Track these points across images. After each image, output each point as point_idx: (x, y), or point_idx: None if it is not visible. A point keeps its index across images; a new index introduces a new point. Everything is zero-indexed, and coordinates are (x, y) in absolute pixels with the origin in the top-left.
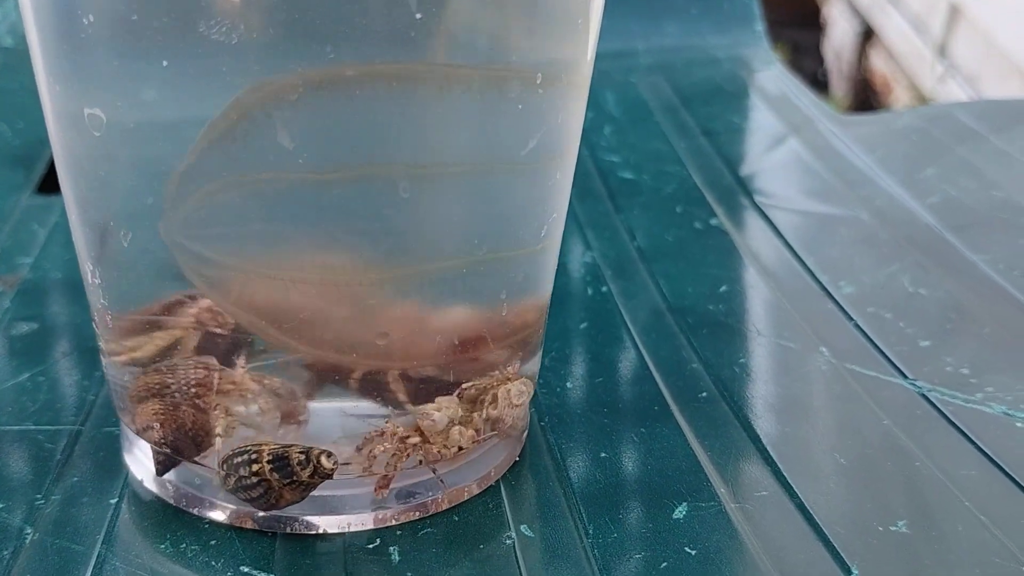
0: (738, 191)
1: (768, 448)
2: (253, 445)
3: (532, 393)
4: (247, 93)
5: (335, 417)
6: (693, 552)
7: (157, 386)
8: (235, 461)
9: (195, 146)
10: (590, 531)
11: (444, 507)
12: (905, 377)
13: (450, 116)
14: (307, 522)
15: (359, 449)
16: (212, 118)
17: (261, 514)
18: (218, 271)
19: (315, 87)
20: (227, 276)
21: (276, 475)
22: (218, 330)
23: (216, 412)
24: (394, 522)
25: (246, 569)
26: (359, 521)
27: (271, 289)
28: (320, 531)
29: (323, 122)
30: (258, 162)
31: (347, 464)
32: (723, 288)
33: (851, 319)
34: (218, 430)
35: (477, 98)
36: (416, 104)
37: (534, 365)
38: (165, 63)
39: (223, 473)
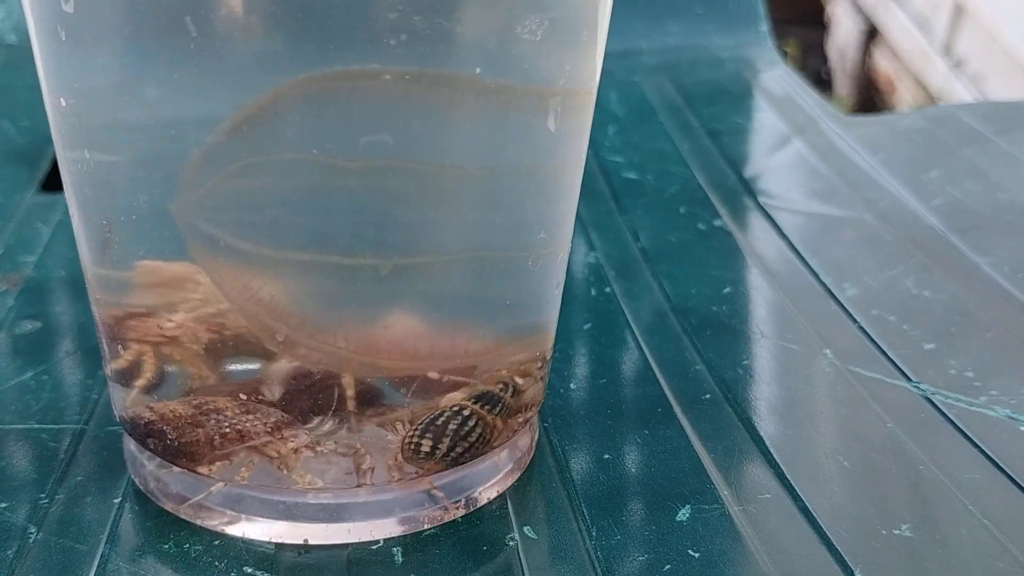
0: (742, 192)
1: (771, 450)
2: (443, 406)
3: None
4: (284, 88)
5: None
6: (696, 555)
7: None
8: (439, 423)
9: (218, 131)
10: (593, 533)
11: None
12: (909, 380)
13: (466, 122)
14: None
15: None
16: (239, 107)
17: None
18: (228, 254)
19: (346, 84)
20: (237, 258)
21: (487, 409)
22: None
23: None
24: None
25: (249, 570)
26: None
27: (281, 276)
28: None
29: (348, 115)
30: (279, 147)
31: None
32: (727, 289)
33: (855, 321)
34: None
35: (492, 107)
36: (438, 108)
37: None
38: (166, 63)
39: (428, 444)
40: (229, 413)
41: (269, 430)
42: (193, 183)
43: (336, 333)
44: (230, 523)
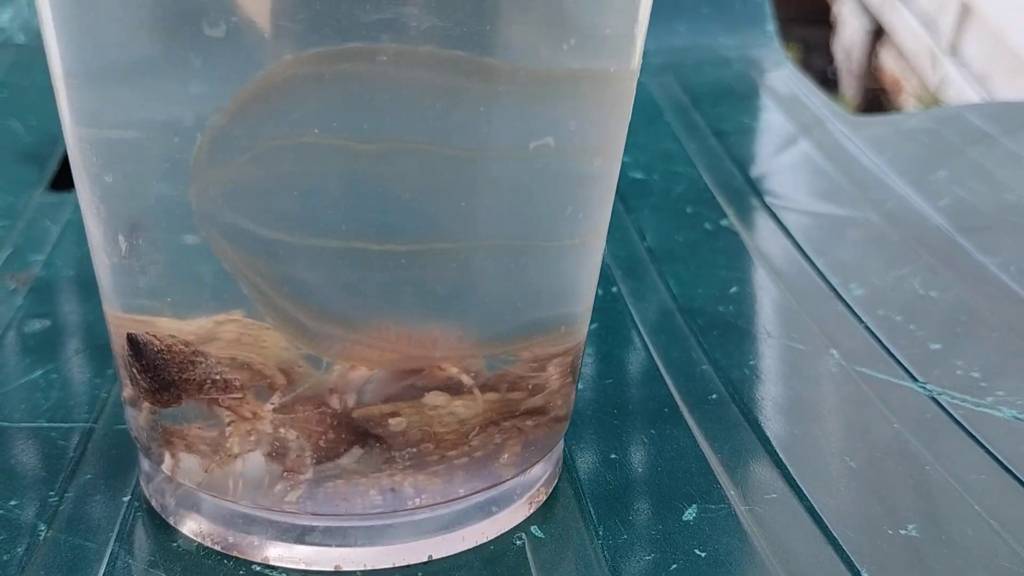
0: (748, 192)
1: (778, 450)
2: None
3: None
4: (288, 63)
5: None
6: (703, 554)
7: None
8: None
9: (226, 110)
10: (600, 532)
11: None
12: (915, 380)
13: (497, 109)
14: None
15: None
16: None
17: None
18: (251, 242)
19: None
20: (260, 248)
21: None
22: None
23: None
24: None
25: (258, 568)
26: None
27: (306, 261)
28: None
29: (368, 96)
30: (294, 129)
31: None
32: (733, 289)
33: (861, 321)
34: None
35: (526, 94)
36: (468, 96)
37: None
38: (189, 53)
39: None
40: (212, 360)
41: (241, 388)
42: (206, 170)
43: (364, 323)
44: (269, 550)
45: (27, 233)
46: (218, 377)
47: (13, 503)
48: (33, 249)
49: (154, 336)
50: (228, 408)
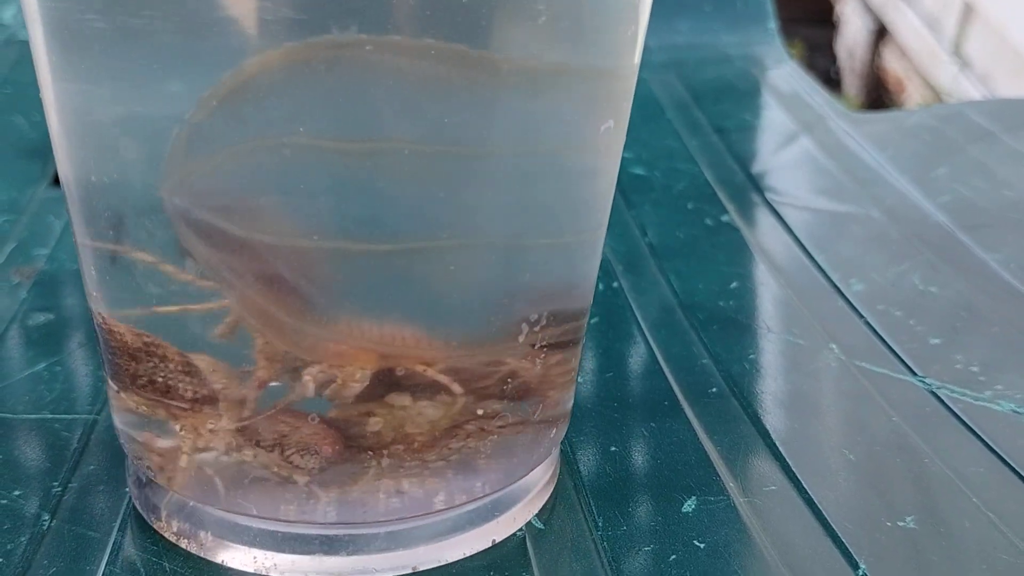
0: (749, 188)
1: (777, 444)
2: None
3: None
4: (268, 56)
5: None
6: (702, 545)
7: None
8: None
9: (202, 104)
10: (600, 524)
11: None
12: (914, 374)
13: (490, 106)
14: None
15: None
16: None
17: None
18: (224, 240)
19: (346, 52)
20: (232, 245)
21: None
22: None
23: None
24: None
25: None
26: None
27: (285, 259)
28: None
29: (350, 92)
30: (274, 127)
31: None
32: (734, 285)
33: (861, 316)
34: None
35: (519, 90)
36: (459, 90)
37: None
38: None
39: None
40: (171, 365)
41: (192, 401)
42: (182, 165)
43: (346, 322)
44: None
45: (31, 228)
46: (160, 380)
47: (17, 493)
48: (37, 243)
49: (104, 318)
50: (173, 416)
